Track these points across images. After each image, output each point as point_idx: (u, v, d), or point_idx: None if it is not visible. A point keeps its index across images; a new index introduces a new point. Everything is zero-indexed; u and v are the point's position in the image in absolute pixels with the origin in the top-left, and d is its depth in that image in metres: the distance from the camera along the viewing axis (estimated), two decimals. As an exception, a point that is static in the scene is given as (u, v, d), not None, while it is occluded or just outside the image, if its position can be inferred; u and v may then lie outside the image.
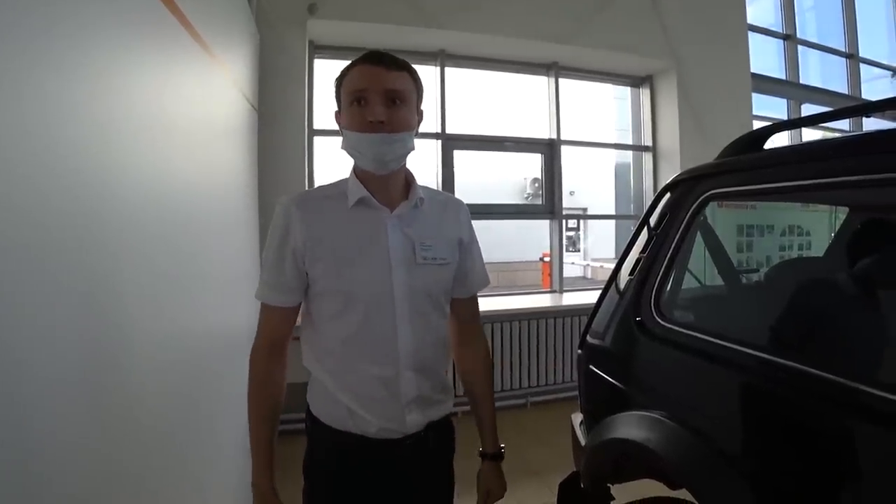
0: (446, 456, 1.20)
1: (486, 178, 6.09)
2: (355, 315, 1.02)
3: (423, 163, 3.87)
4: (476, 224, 1.23)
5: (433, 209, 1.13)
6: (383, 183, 1.05)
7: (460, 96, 4.38)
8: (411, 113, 1.03)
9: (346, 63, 1.04)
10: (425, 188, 1.14)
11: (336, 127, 1.06)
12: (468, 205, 1.21)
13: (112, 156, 0.94)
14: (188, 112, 1.47)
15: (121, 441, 0.94)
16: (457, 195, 1.21)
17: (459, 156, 4.00)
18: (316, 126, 3.64)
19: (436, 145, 3.95)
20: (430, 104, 3.89)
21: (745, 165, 1.35)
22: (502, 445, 1.26)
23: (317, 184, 3.53)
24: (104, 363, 0.90)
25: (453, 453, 1.22)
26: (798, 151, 1.32)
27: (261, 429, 1.06)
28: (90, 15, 0.86)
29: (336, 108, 1.07)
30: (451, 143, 3.96)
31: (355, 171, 1.08)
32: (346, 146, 1.04)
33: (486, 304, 3.91)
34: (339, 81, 1.04)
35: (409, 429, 1.07)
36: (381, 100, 0.98)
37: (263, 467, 1.06)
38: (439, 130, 3.95)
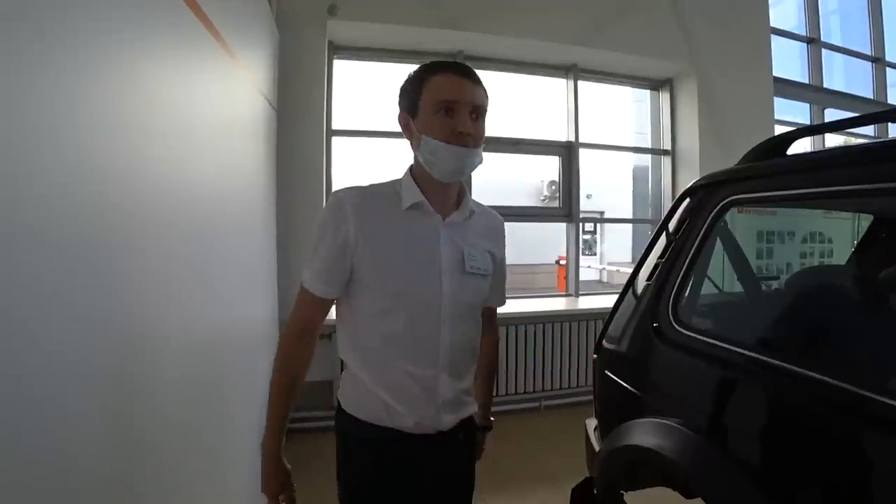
0: (472, 452, 1.24)
1: (502, 180, 6.07)
2: (401, 315, 1.04)
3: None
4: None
5: (480, 222, 1.17)
6: (442, 190, 1.08)
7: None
8: (485, 127, 1.08)
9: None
10: (473, 201, 1.17)
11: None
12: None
13: (136, 154, 0.96)
14: (210, 112, 1.50)
15: (145, 425, 0.98)
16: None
17: (476, 157, 3.96)
18: (334, 126, 3.66)
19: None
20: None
21: (767, 171, 1.33)
22: (492, 417, 1.36)
23: (334, 183, 3.56)
24: (130, 353, 0.93)
25: (476, 452, 1.26)
26: (821, 158, 1.30)
27: (280, 399, 1.07)
28: (117, 18, 0.88)
29: (403, 111, 1.07)
30: (468, 144, 3.93)
31: (412, 173, 1.09)
32: (423, 152, 1.04)
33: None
34: (419, 86, 1.03)
35: (442, 426, 1.09)
36: (469, 113, 1.01)
37: (276, 431, 1.07)
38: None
